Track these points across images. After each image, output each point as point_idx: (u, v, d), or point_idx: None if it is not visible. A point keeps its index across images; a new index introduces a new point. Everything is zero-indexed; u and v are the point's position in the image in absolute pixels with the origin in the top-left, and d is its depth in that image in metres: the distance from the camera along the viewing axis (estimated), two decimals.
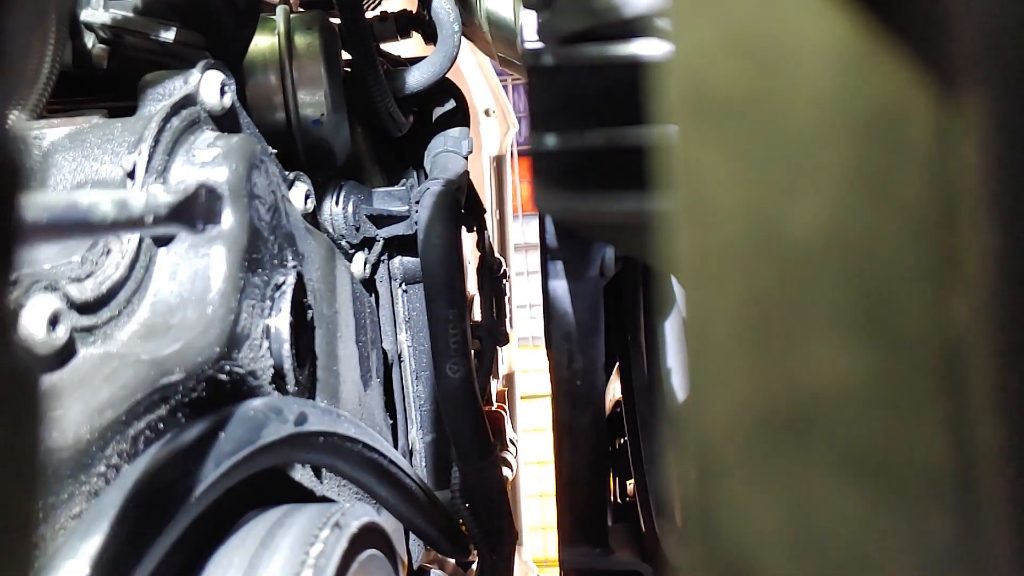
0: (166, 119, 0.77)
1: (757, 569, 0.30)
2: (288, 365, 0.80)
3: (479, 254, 1.66)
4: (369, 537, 0.73)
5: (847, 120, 0.29)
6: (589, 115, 0.60)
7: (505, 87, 4.62)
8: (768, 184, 0.30)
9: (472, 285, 1.68)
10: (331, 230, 1.16)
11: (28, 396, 0.29)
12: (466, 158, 1.38)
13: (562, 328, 1.12)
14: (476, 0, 1.31)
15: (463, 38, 1.32)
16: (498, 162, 3.42)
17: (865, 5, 0.29)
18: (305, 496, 0.84)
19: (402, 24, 1.35)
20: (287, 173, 0.96)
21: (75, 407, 0.56)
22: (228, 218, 0.76)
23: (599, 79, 0.59)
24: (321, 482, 0.90)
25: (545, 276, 1.12)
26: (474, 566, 1.52)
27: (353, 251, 1.21)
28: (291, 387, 0.81)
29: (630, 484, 1.47)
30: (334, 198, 1.17)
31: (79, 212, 0.50)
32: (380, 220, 1.27)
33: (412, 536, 1.28)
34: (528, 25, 0.73)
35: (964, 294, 0.28)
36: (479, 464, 1.27)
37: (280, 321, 0.80)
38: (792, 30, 0.29)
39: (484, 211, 1.58)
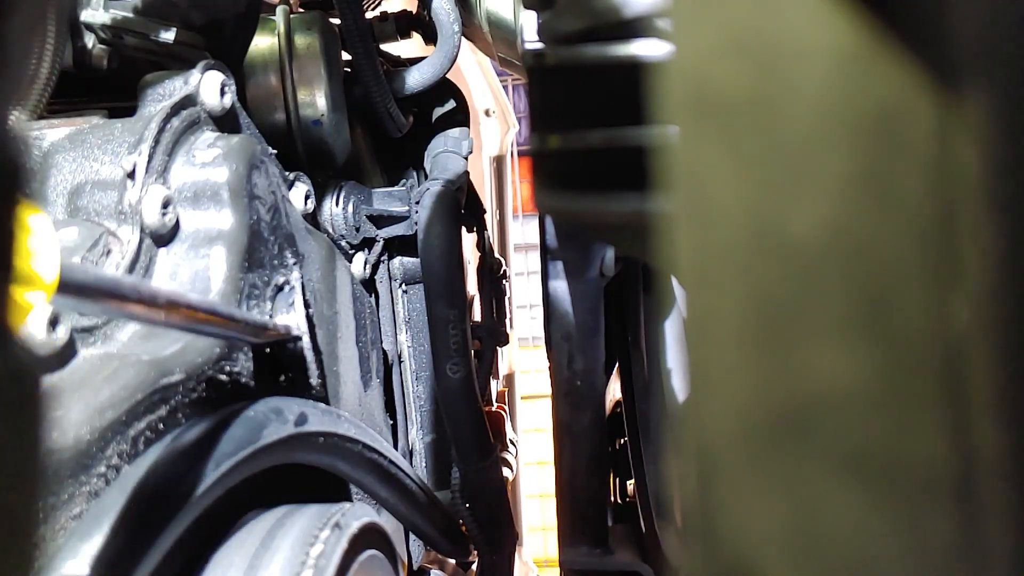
0: (166, 120, 0.77)
1: (757, 570, 0.30)
2: (309, 358, 0.80)
3: (479, 254, 1.66)
4: (369, 537, 0.73)
5: (847, 121, 0.29)
6: (589, 115, 0.60)
7: (505, 87, 4.62)
8: (769, 185, 0.30)
9: (472, 285, 1.68)
10: (331, 230, 1.16)
11: (29, 397, 0.29)
12: (466, 158, 1.37)
13: (562, 328, 1.12)
14: (476, 0, 1.31)
15: (463, 38, 1.32)
16: (498, 162, 3.42)
17: (865, 5, 0.29)
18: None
19: (402, 24, 1.35)
20: (287, 173, 0.96)
21: (75, 408, 0.56)
22: (228, 218, 0.76)
23: (599, 79, 0.59)
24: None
25: (545, 276, 1.12)
26: (474, 566, 1.52)
27: (353, 251, 1.21)
28: (314, 380, 0.81)
29: (630, 484, 1.47)
30: (334, 198, 1.17)
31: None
32: (380, 220, 1.27)
33: (412, 536, 1.28)
34: (528, 25, 0.73)
35: (965, 295, 0.28)
36: (479, 464, 1.27)
37: (296, 318, 0.80)
38: (792, 31, 0.29)
39: (484, 211, 1.58)
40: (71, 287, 0.43)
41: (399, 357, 1.35)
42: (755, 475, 0.30)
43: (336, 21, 1.20)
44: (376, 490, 0.93)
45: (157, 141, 0.75)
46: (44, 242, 0.37)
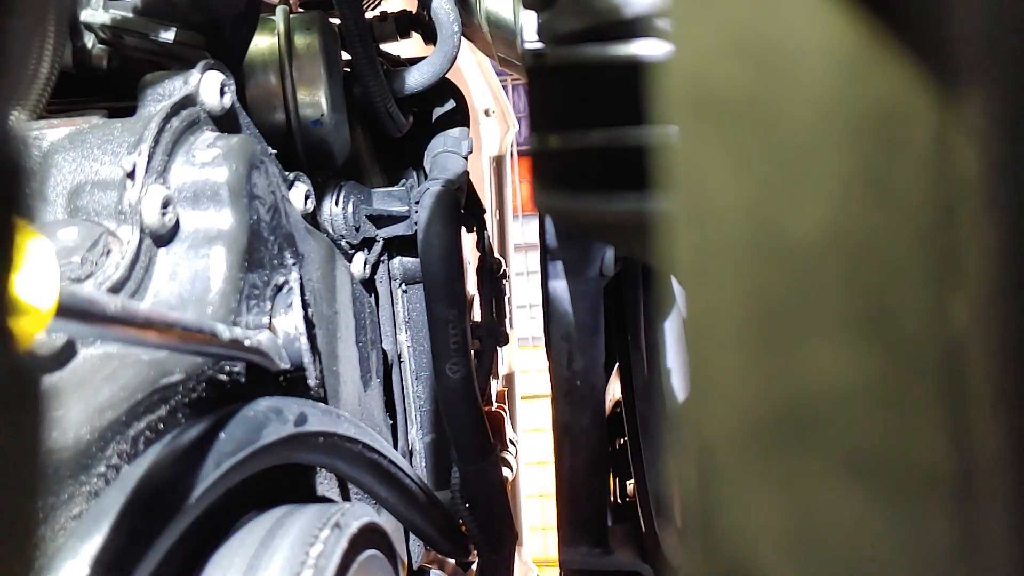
0: (166, 119, 0.77)
1: (757, 570, 0.30)
2: (308, 359, 0.80)
3: (479, 254, 1.66)
4: (369, 537, 0.73)
5: (847, 121, 0.29)
6: (589, 115, 0.60)
7: (505, 87, 4.62)
8: (768, 185, 0.30)
9: (472, 285, 1.68)
10: (331, 230, 1.16)
11: (29, 397, 0.29)
12: (466, 158, 1.37)
13: (562, 328, 1.12)
14: (476, 0, 1.31)
15: (463, 38, 1.32)
16: (498, 162, 3.42)
17: (865, 5, 0.29)
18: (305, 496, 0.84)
19: (402, 24, 1.35)
20: (287, 173, 0.96)
21: (75, 408, 0.56)
22: (228, 218, 0.76)
23: (599, 79, 0.59)
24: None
25: (545, 276, 1.12)
26: (474, 566, 1.52)
27: (353, 251, 1.21)
28: (312, 380, 0.81)
29: (630, 484, 1.47)
30: (334, 198, 1.17)
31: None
32: (380, 220, 1.27)
33: (412, 536, 1.28)
34: (528, 25, 0.73)
35: (964, 295, 0.28)
36: (479, 464, 1.27)
37: (293, 319, 0.80)
38: (792, 31, 0.29)
39: (484, 211, 1.57)
40: (70, 313, 0.42)
41: (399, 357, 1.35)
42: (755, 475, 0.30)
43: (336, 21, 1.20)
44: (376, 490, 0.93)
45: (157, 141, 0.75)
46: (43, 269, 0.36)
